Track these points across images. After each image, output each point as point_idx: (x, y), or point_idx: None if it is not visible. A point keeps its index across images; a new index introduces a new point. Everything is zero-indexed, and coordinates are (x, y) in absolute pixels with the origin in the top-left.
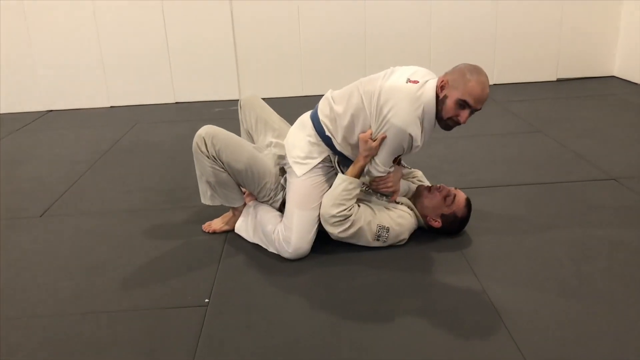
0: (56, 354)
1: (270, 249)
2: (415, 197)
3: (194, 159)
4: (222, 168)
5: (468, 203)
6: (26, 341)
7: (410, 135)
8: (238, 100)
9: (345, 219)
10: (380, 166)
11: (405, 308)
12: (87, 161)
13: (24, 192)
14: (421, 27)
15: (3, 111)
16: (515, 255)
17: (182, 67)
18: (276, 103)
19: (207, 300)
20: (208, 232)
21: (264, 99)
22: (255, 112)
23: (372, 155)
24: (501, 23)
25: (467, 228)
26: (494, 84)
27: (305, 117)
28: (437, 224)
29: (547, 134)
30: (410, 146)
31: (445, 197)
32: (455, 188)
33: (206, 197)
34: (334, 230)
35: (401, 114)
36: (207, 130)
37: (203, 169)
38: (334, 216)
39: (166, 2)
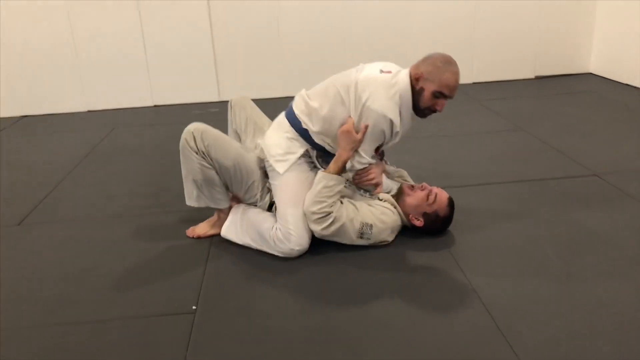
0: None
1: (264, 249)
2: (398, 195)
3: (181, 156)
4: (210, 165)
5: (450, 202)
6: (10, 354)
7: (391, 120)
8: (217, 102)
9: (327, 215)
10: (363, 157)
11: (396, 308)
12: (66, 167)
13: (1, 200)
14: (401, 27)
15: None
16: (503, 252)
17: (160, 69)
18: (256, 104)
19: (194, 307)
20: (192, 237)
21: None
22: (246, 113)
23: (355, 149)
24: (479, 22)
25: (453, 226)
26: (473, 82)
27: (281, 117)
28: (420, 222)
29: (529, 131)
30: (391, 133)
31: (427, 196)
32: (438, 187)
33: (192, 198)
34: (316, 227)
35: (379, 100)
36: (196, 126)
37: (190, 166)
38: (314, 213)
39: (142, 4)
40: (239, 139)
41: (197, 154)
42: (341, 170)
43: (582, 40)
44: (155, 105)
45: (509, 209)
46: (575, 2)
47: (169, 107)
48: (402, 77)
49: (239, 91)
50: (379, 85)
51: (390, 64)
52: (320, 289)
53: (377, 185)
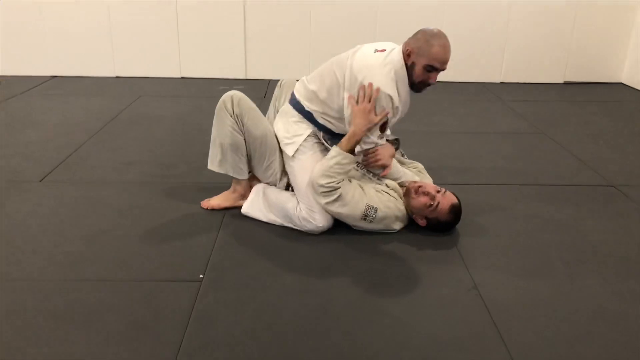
0: (50, 318)
1: (290, 225)
2: (405, 194)
3: (215, 118)
4: (241, 130)
5: (453, 209)
6: (22, 303)
7: (389, 96)
8: (243, 79)
9: (333, 190)
10: (368, 136)
11: (395, 297)
12: (90, 130)
13: (24, 156)
14: (432, 18)
15: (6, 73)
16: (509, 252)
17: (190, 41)
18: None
19: (201, 275)
20: (206, 209)
21: (271, 80)
22: None
23: (370, 129)
24: (512, 22)
25: (462, 223)
26: (501, 82)
27: (285, 105)
28: (423, 222)
29: (550, 135)
30: (392, 109)
31: (428, 204)
32: (445, 191)
33: (214, 162)
34: (320, 200)
35: (375, 77)
36: (235, 93)
37: (222, 128)
38: (322, 186)
39: None
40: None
41: (231, 117)
42: (354, 148)
43: (616, 49)
44: (182, 77)
45: (520, 210)
46: (614, 9)
47: (195, 80)
48: (395, 54)
49: (267, 69)
50: (374, 64)
51: (386, 42)
52: (324, 270)
53: (384, 167)
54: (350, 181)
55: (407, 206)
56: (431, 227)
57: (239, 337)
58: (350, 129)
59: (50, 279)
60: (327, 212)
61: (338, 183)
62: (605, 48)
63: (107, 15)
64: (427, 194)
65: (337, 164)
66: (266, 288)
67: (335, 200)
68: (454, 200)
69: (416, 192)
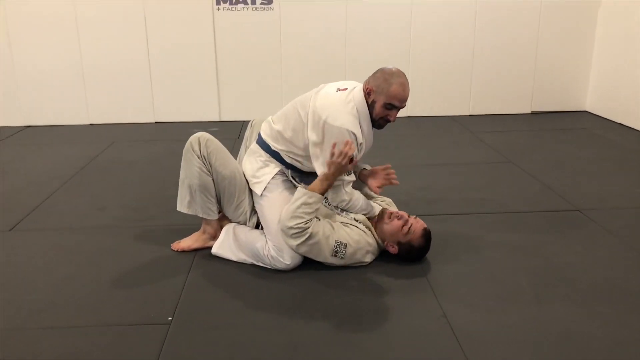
0: None
1: (260, 264)
2: (377, 220)
3: (182, 160)
4: (209, 171)
5: (425, 234)
6: None
7: (353, 133)
8: (217, 121)
9: (303, 231)
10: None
11: (366, 330)
12: (62, 177)
13: None
14: (399, 56)
15: None
16: (478, 281)
17: (163, 87)
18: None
19: (170, 318)
20: (177, 251)
21: (245, 121)
22: None
23: (343, 171)
24: (478, 56)
25: (432, 253)
26: (470, 115)
27: (253, 145)
28: (394, 250)
29: (518, 164)
30: (357, 145)
31: (402, 227)
32: (416, 217)
33: (183, 204)
34: (292, 242)
35: (338, 116)
36: (202, 134)
37: (189, 169)
38: (291, 228)
39: (150, 24)
40: None
41: (199, 158)
42: (325, 191)
43: (579, 79)
44: (156, 122)
45: (489, 238)
46: (573, 40)
47: (169, 124)
48: (356, 93)
49: (240, 112)
50: (337, 103)
51: (348, 81)
52: (295, 307)
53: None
54: (318, 219)
55: (380, 233)
56: (402, 254)
57: None
58: (325, 174)
59: (15, 328)
60: (298, 253)
61: (307, 223)
62: (569, 78)
63: (79, 64)
64: (400, 217)
65: (303, 204)
66: (236, 328)
67: (306, 240)
68: (425, 225)
69: (389, 217)
